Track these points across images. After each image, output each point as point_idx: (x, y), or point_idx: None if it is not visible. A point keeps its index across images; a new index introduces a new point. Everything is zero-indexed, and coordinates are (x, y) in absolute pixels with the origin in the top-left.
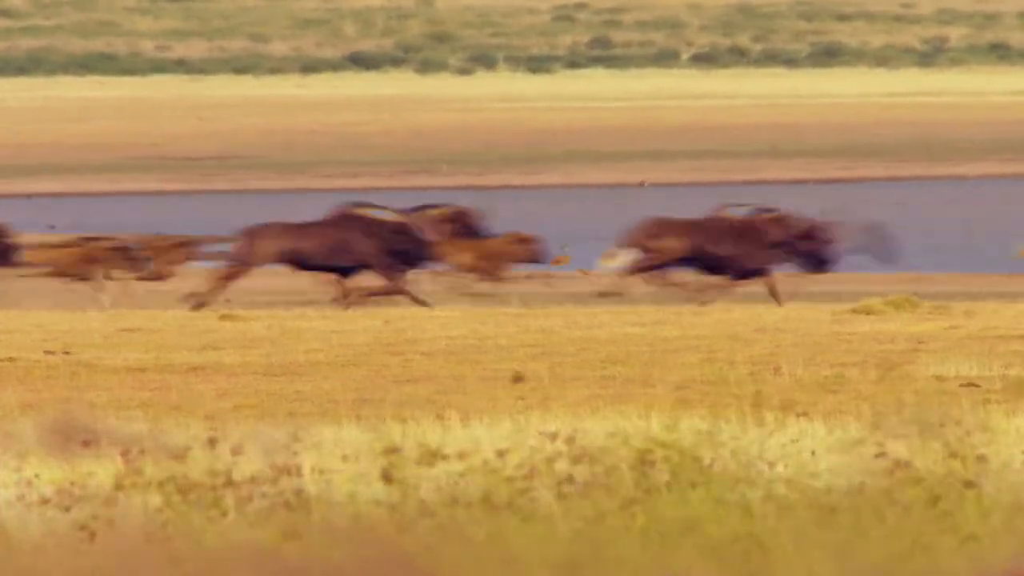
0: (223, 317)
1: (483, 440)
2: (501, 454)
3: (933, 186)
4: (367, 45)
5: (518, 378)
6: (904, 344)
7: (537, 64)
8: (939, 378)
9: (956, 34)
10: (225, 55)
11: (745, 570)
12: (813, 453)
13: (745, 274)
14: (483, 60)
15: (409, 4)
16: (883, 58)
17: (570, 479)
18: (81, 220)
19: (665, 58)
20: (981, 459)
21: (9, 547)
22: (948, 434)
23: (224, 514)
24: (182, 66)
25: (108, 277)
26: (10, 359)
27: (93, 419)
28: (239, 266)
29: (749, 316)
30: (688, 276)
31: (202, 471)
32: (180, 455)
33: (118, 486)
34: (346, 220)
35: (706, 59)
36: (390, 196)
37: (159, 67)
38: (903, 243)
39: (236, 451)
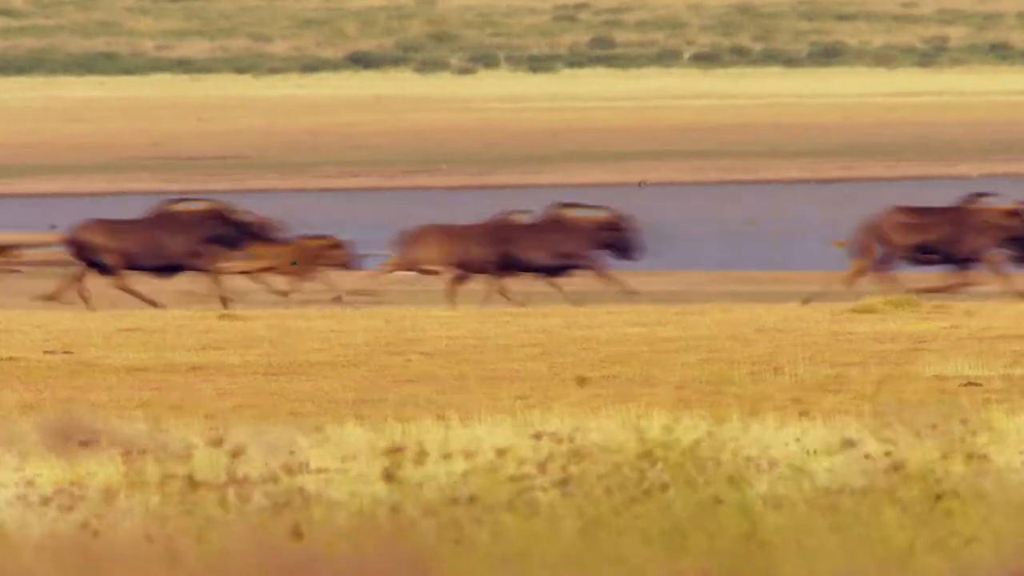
0: (223, 317)
1: (483, 440)
2: (501, 454)
3: (933, 186)
4: (368, 45)
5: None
6: (904, 344)
7: (538, 64)
8: (939, 378)
9: (957, 34)
10: (226, 55)
11: (745, 570)
12: (812, 453)
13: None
14: (484, 60)
15: (410, 4)
16: (883, 58)
17: (570, 479)
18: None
19: (666, 58)
20: (981, 459)
21: (9, 547)
22: (948, 434)
23: (225, 514)
24: (183, 66)
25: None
26: (10, 359)
27: (93, 419)
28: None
29: (749, 316)
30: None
31: (202, 471)
32: (181, 455)
33: (119, 486)
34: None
35: (707, 59)
36: (390, 196)
37: (160, 67)
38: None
39: (236, 451)
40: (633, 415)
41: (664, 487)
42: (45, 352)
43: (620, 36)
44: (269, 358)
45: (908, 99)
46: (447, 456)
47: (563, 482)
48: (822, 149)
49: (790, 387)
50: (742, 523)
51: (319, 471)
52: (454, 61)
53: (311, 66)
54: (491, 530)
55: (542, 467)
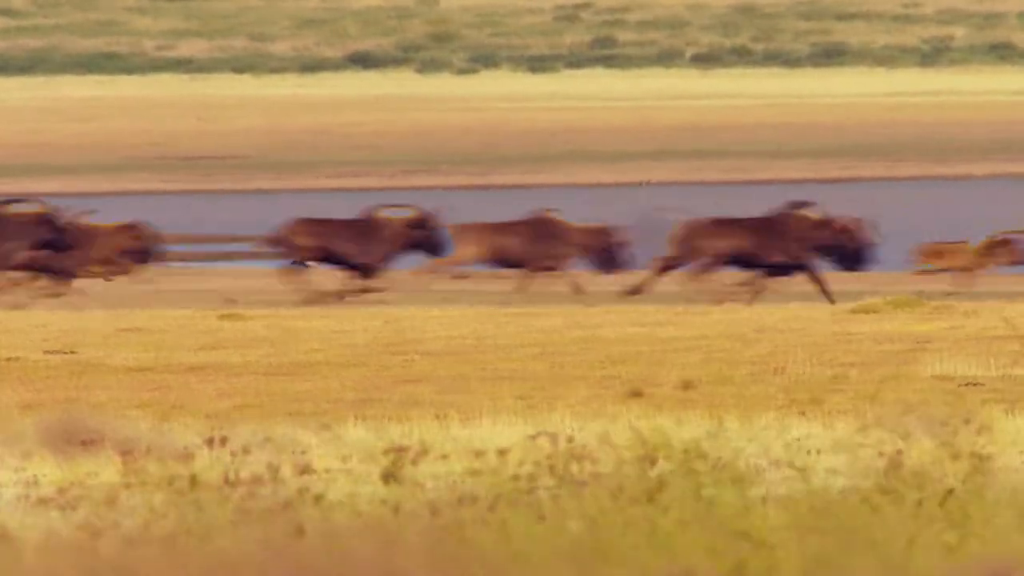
0: (224, 317)
1: (484, 440)
2: (501, 454)
3: (933, 186)
4: (368, 45)
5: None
6: (905, 344)
7: (539, 64)
8: (940, 378)
9: (958, 34)
10: (226, 55)
11: (745, 570)
12: (813, 453)
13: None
14: (485, 60)
15: (410, 4)
16: (884, 58)
17: (570, 479)
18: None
19: (666, 58)
20: (981, 459)
21: (10, 547)
22: (948, 434)
23: (225, 514)
24: (183, 65)
25: None
26: (11, 359)
27: (94, 419)
28: None
29: (750, 316)
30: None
31: (203, 471)
32: (181, 455)
33: (119, 486)
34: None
35: (707, 59)
36: (390, 196)
37: (160, 66)
38: (905, 243)
39: (237, 451)
40: (633, 415)
41: (664, 487)
42: (45, 352)
43: (620, 36)
44: (270, 358)
45: (908, 99)
46: (447, 456)
47: (563, 482)
48: (822, 149)
49: (790, 387)
50: (742, 523)
51: (320, 471)
52: (455, 61)
53: (311, 66)
54: (491, 530)
55: (542, 467)
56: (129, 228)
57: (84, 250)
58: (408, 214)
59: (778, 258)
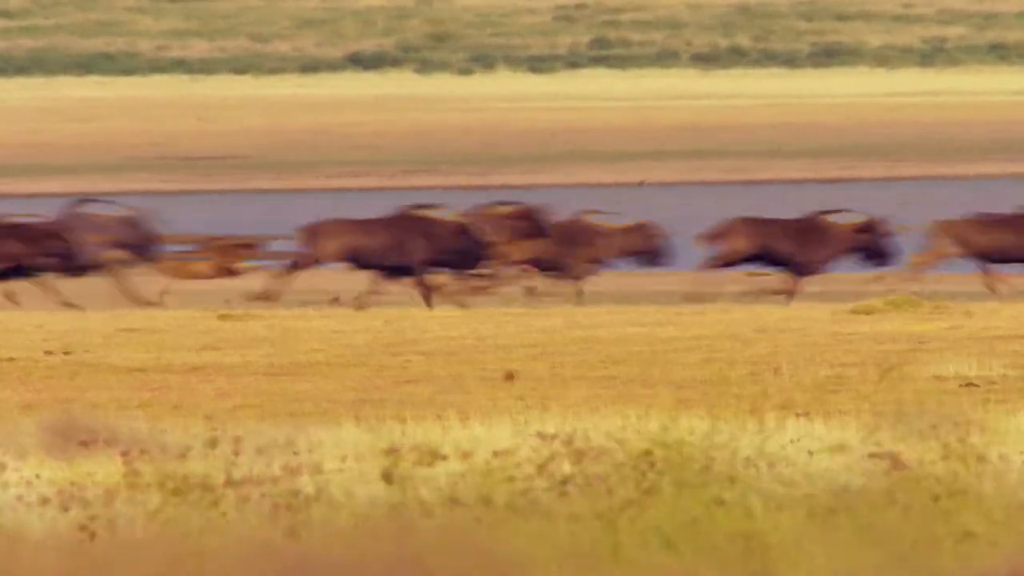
0: (223, 317)
1: (483, 440)
2: (501, 454)
3: (933, 186)
4: (367, 45)
5: (510, 376)
6: (904, 344)
7: (537, 64)
8: (939, 378)
9: (956, 34)
10: (225, 55)
11: (745, 570)
12: (813, 453)
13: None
14: (483, 60)
15: (409, 4)
16: (883, 58)
17: (570, 479)
18: None
19: (665, 58)
20: (981, 459)
21: (9, 547)
22: (948, 434)
23: (224, 514)
24: (182, 66)
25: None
26: (10, 359)
27: (93, 419)
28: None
29: (749, 316)
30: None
31: (202, 471)
32: (180, 455)
33: (118, 486)
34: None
35: (706, 59)
36: (390, 196)
37: (159, 67)
38: (903, 242)
39: (236, 451)
40: (633, 415)
41: (664, 487)
42: (45, 352)
43: (620, 36)
44: (269, 358)
45: (908, 99)
46: (446, 456)
47: (563, 482)
48: (822, 149)
49: (790, 387)
50: (742, 523)
51: (318, 471)
52: (454, 61)
53: (311, 66)
54: (491, 530)
55: (542, 467)
56: (639, 228)
57: (588, 249)
58: (856, 218)
59: None
